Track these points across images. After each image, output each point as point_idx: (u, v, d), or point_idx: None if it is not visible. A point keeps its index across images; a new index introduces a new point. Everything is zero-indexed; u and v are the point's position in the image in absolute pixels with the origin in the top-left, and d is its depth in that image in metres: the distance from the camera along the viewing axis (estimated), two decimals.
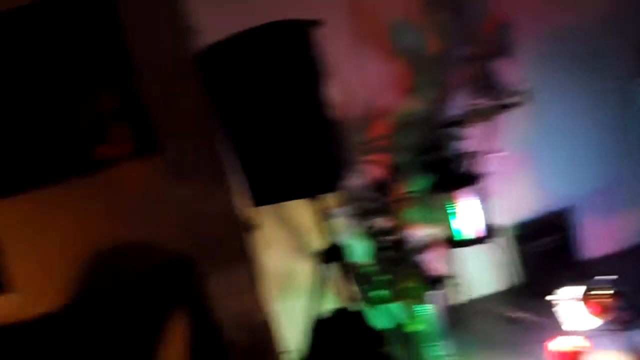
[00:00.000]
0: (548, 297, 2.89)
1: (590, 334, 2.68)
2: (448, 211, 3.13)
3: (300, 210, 2.61)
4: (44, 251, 3.05)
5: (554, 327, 2.82)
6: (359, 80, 3.25)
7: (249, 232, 2.66)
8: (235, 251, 2.64)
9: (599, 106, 3.44)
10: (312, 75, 2.24)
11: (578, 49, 3.39)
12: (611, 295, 2.59)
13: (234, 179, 2.58)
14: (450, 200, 3.09)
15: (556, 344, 2.56)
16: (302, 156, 2.26)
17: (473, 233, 3.14)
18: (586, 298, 2.66)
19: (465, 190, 3.07)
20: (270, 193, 2.39)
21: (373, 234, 3.07)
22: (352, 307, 2.44)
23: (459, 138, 3.19)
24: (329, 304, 2.00)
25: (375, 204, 3.11)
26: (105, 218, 3.06)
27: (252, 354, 2.67)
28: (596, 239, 3.48)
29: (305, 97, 2.23)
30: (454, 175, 3.13)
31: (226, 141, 2.44)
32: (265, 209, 2.95)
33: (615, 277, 2.72)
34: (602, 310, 2.60)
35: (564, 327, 2.80)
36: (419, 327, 3.03)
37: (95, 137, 2.96)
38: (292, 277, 3.27)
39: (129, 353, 2.08)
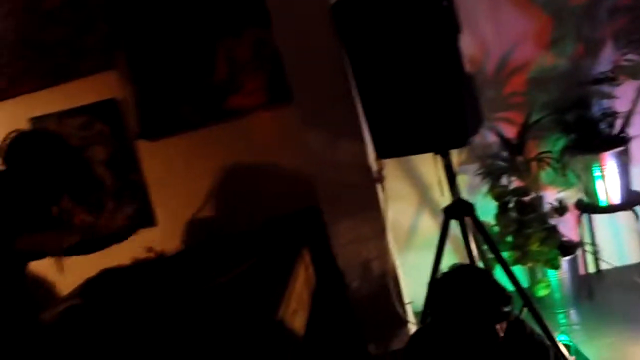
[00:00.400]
0: None
1: None
2: (586, 175, 2.94)
3: (428, 165, 2.58)
4: (184, 191, 3.30)
5: None
6: (495, 33, 3.10)
7: (378, 184, 2.68)
8: (363, 201, 2.68)
9: None
10: (446, 26, 2.16)
11: None
12: None
13: (365, 130, 2.59)
14: (590, 163, 2.90)
15: None
16: (432, 110, 2.21)
17: (612, 199, 2.94)
18: None
19: (607, 153, 2.86)
20: (396, 145, 2.38)
21: (502, 194, 2.97)
22: (476, 265, 2.41)
23: (604, 96, 2.96)
24: (452, 260, 1.99)
25: (507, 163, 3.00)
26: (239, 163, 3.23)
27: (373, 301, 2.73)
28: None
29: (438, 50, 2.17)
30: (596, 137, 2.92)
31: (356, 92, 2.46)
32: (394, 162, 2.96)
33: None
34: None
35: None
36: (544, 292, 2.94)
37: (230, 86, 3.11)
38: (416, 231, 3.27)
39: (256, 290, 2.21)
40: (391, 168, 2.83)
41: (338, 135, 2.64)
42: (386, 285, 2.69)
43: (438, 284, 1.92)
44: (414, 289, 2.88)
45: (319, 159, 2.66)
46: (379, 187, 2.70)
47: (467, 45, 2.97)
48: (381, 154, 2.49)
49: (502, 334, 1.75)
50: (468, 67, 2.42)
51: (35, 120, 3.29)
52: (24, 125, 3.26)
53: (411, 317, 2.84)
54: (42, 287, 3.11)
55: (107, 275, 2.82)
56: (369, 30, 2.30)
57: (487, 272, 1.92)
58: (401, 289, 2.78)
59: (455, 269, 1.87)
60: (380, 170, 2.70)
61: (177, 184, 3.29)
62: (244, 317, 2.03)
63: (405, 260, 3.07)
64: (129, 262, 2.99)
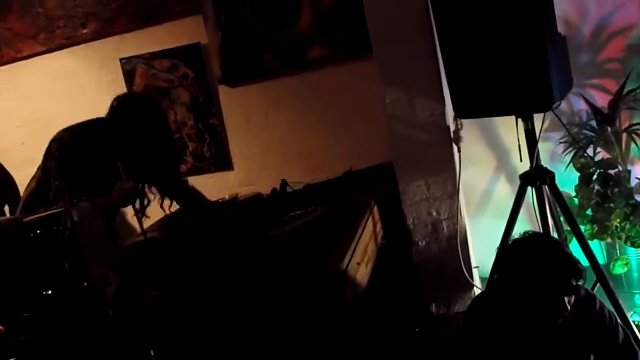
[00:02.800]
0: None
1: None
2: None
3: (508, 129, 2.48)
4: (260, 138, 3.37)
5: None
6: None
7: (454, 144, 2.63)
8: (437, 161, 2.64)
9: None
10: None
11: None
12: None
13: (445, 88, 2.53)
14: None
15: None
16: (516, 70, 2.11)
17: None
18: None
19: None
20: (476, 106, 2.30)
21: (586, 165, 2.84)
22: (549, 235, 2.33)
23: None
24: (525, 229, 1.93)
25: (595, 133, 2.85)
26: (316, 115, 3.25)
27: (438, 261, 2.72)
28: None
29: (527, 7, 2.05)
30: None
31: (439, 48, 2.38)
32: (472, 124, 2.88)
33: None
34: None
35: None
36: (621, 270, 2.81)
37: (312, 35, 3.09)
38: (490, 196, 3.20)
39: (323, 239, 2.25)
40: (469, 129, 2.75)
41: (417, 92, 2.59)
42: (454, 247, 2.66)
43: (507, 249, 1.88)
44: (482, 254, 2.83)
45: (395, 115, 2.62)
46: (454, 147, 2.64)
47: (563, 5, 2.82)
48: (460, 114, 2.42)
49: (569, 307, 1.70)
50: (561, 28, 2.30)
51: (124, 60, 3.43)
52: (114, 64, 3.41)
53: (477, 282, 2.81)
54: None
55: (183, 213, 2.95)
56: None
57: (560, 243, 1.86)
58: (469, 252, 2.75)
59: (527, 236, 1.82)
60: (457, 130, 2.63)
61: (254, 131, 3.36)
62: (308, 263, 2.07)
63: (477, 225, 3.01)
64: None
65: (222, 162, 3.45)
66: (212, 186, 3.37)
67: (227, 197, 3.13)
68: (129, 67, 3.43)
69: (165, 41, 3.37)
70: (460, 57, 2.25)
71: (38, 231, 1.69)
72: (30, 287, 1.68)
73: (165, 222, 2.86)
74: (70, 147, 2.38)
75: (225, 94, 3.37)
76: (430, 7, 2.33)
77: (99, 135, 2.43)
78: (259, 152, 3.39)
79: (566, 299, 1.68)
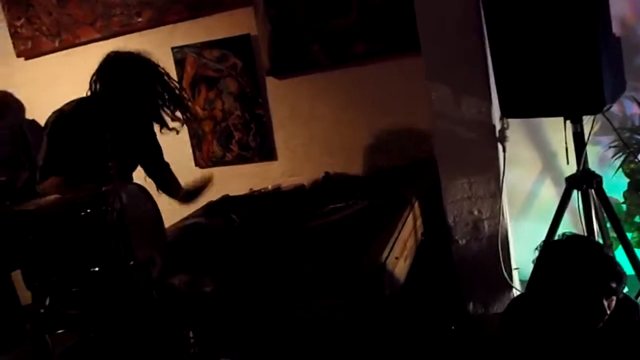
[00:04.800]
0: None
1: None
2: None
3: (556, 130, 2.44)
4: (304, 130, 3.40)
5: None
6: None
7: (500, 144, 2.60)
8: (481, 160, 2.61)
9: None
10: None
11: None
12: None
13: (492, 87, 2.50)
14: None
15: None
16: (567, 70, 2.06)
17: None
18: None
19: None
20: (524, 105, 2.26)
21: (636, 171, 2.76)
22: (594, 239, 2.28)
23: None
24: (568, 232, 1.90)
25: None
26: (361, 109, 3.26)
27: (478, 261, 2.70)
28: None
29: (581, 6, 2.01)
30: None
31: (489, 45, 2.36)
32: (519, 123, 2.84)
33: None
34: None
35: None
36: None
37: (360, 30, 3.10)
38: (535, 198, 3.14)
39: (364, 232, 2.26)
40: (516, 129, 2.71)
41: (463, 89, 2.57)
42: (494, 247, 2.63)
43: (546, 250, 1.85)
44: (524, 256, 2.79)
45: (441, 111, 2.61)
46: (499, 147, 2.61)
47: (620, 4, 2.75)
48: (507, 113, 2.39)
49: (608, 311, 1.66)
50: (617, 29, 2.24)
51: (176, 49, 3.51)
52: (166, 53, 3.50)
53: (516, 283, 2.77)
54: None
55: (226, 201, 3.01)
56: None
57: (600, 245, 1.82)
58: (510, 254, 2.71)
59: (566, 238, 1.80)
60: (503, 130, 2.60)
61: (298, 123, 3.40)
62: (347, 256, 2.09)
63: (520, 226, 2.97)
64: (247, 192, 3.18)
65: (266, 152, 3.50)
66: (256, 176, 3.43)
67: (270, 187, 3.18)
68: (180, 55, 3.51)
69: (216, 32, 3.43)
70: (509, 56, 2.23)
71: (88, 210, 1.76)
72: (79, 263, 1.75)
73: (209, 209, 2.93)
74: (66, 118, 2.30)
75: (272, 85, 3.42)
76: (481, 5, 2.31)
77: (93, 107, 2.31)
78: (302, 143, 3.42)
79: (605, 303, 1.65)
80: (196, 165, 3.64)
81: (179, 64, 3.52)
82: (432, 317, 2.66)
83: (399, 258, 2.22)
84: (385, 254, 2.07)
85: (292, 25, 3.23)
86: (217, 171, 3.18)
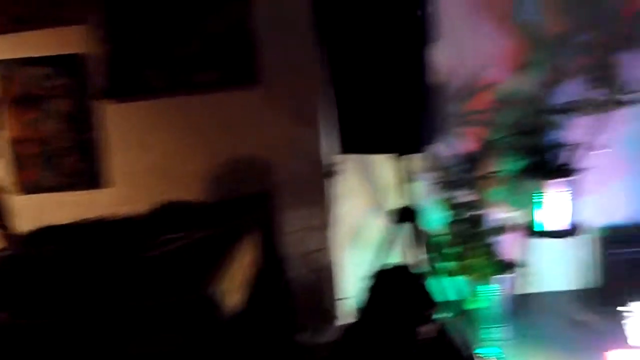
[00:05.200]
0: (621, 308, 2.78)
1: None
2: (535, 199, 3.03)
3: (384, 167, 2.61)
4: (141, 156, 3.27)
5: (618, 339, 2.71)
6: (470, 48, 3.16)
7: (331, 178, 2.71)
8: (314, 193, 2.70)
9: None
10: (417, 35, 2.20)
11: None
12: None
13: (326, 122, 2.61)
14: (540, 189, 2.99)
15: (617, 356, 2.46)
16: (396, 112, 2.25)
17: (556, 226, 3.03)
18: None
19: (557, 181, 2.96)
20: (358, 142, 2.41)
21: (452, 205, 3.04)
22: (414, 269, 2.45)
23: (561, 127, 3.05)
24: (393, 262, 2.03)
25: (461, 176, 3.06)
26: (199, 137, 3.22)
27: (311, 292, 2.76)
28: None
29: (410, 55, 2.21)
30: (548, 164, 3.01)
31: (326, 84, 2.47)
32: (351, 160, 2.99)
33: None
34: None
35: (630, 341, 2.69)
36: (479, 305, 3.01)
37: (201, 59, 3.08)
38: (363, 229, 3.31)
39: (196, 263, 2.21)
40: (354, 165, 2.85)
41: (298, 124, 2.66)
42: (325, 278, 2.72)
43: (369, 281, 1.95)
44: (355, 284, 2.92)
45: (276, 145, 2.67)
46: (331, 180, 2.72)
47: (443, 56, 3.04)
48: (345, 149, 2.52)
49: (421, 337, 1.78)
50: (439, 77, 2.47)
51: None
52: None
53: (346, 313, 2.88)
54: None
55: (47, 231, 2.78)
56: (346, 25, 2.32)
57: (417, 276, 1.96)
58: (340, 284, 2.81)
59: (390, 268, 1.91)
60: (333, 164, 2.72)
61: (135, 149, 3.26)
62: (182, 287, 2.02)
63: (350, 257, 3.10)
64: (70, 221, 2.95)
65: (94, 179, 3.29)
66: (82, 204, 3.21)
67: (100, 216, 2.99)
68: (2, 70, 3.22)
69: (43, 48, 3.20)
70: (348, 95, 2.36)
71: None
72: None
73: (28, 239, 2.68)
74: None
75: (107, 109, 3.25)
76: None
77: None
78: (138, 171, 3.28)
79: (422, 330, 1.77)
80: (15, 191, 3.33)
81: (1, 79, 3.22)
82: (265, 348, 2.66)
83: (236, 289, 2.20)
84: (222, 285, 2.03)
85: (132, 48, 3.11)
86: (38, 198, 2.93)
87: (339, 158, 2.72)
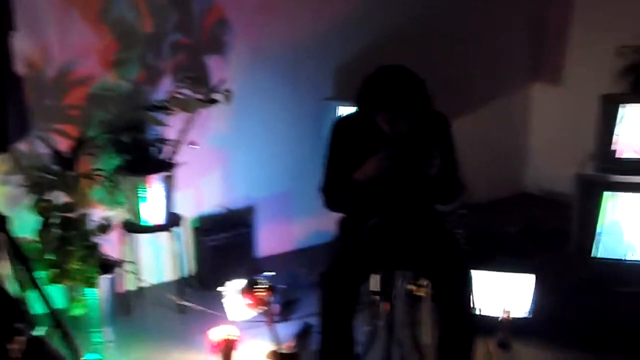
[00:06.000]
0: (219, 289, 3.03)
1: (246, 325, 2.89)
2: (134, 195, 3.05)
3: None
4: None
5: (220, 318, 2.96)
6: (60, 41, 2.97)
7: None
8: None
9: (294, 119, 3.74)
10: None
11: (288, 62, 3.64)
12: (266, 290, 2.82)
13: None
14: (137, 185, 3.02)
15: (214, 333, 2.68)
16: None
17: (154, 220, 3.12)
18: (245, 291, 2.86)
19: (154, 176, 3.03)
20: None
21: (47, 209, 2.80)
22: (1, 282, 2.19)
23: (158, 123, 3.14)
24: None
25: (54, 176, 2.85)
26: None
27: None
28: (271, 239, 3.78)
29: None
30: (146, 160, 3.06)
31: None
32: None
33: (273, 273, 2.98)
34: (257, 303, 2.82)
35: (228, 318, 2.96)
36: (81, 311, 2.88)
37: None
38: None
39: None
40: None
41: None
42: None
43: None
44: None
45: None
46: None
47: (26, 46, 2.77)
48: None
49: (18, 354, 1.61)
50: (21, 69, 2.24)
51: None
52: None
53: None
54: None
55: None
56: None
57: (2, 289, 1.77)
58: None
59: None
60: None
61: None
62: None
63: None
64: None
65: None
66: None
67: None
68: None
69: None
70: None
71: None
72: None
73: None
74: None
75: None
76: None
77: None
78: None
79: (12, 345, 1.60)
80: None
81: None
82: None
83: None
84: None
85: None
86: None
87: None
